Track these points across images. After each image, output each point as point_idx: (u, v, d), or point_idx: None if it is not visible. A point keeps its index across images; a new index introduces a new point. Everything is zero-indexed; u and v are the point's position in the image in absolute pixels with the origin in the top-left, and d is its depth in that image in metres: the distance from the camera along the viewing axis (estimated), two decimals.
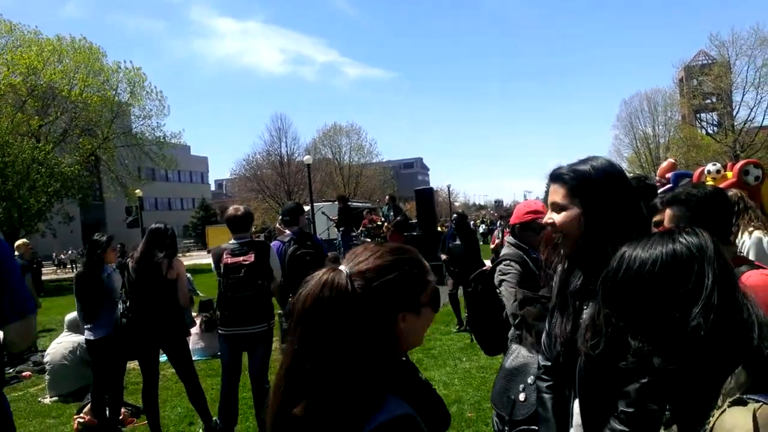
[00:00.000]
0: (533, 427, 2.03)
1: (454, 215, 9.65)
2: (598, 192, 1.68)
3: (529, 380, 2.12)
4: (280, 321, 7.95)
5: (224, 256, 4.77)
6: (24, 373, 8.06)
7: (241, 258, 4.72)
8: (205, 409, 5.02)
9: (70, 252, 18.56)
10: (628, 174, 1.88)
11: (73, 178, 26.35)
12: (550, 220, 1.77)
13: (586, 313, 1.64)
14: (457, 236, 8.68)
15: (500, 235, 9.87)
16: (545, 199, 2.20)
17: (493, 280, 3.25)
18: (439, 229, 16.79)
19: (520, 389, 2.14)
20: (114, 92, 29.82)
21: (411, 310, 1.19)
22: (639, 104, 50.85)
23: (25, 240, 10.95)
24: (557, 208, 1.75)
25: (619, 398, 1.51)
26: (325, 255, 5.55)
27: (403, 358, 1.29)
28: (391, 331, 1.16)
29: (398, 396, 1.14)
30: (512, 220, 3.53)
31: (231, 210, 4.97)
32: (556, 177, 1.78)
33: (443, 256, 9.01)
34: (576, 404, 1.70)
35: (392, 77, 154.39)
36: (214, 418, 4.99)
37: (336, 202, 17.09)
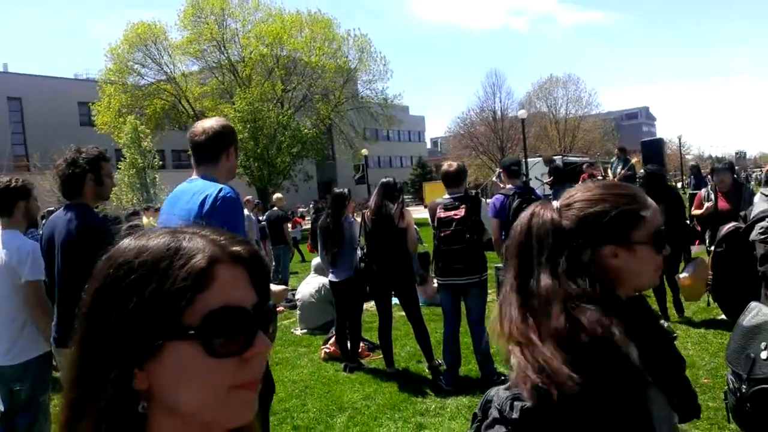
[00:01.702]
0: None
1: (641, 171, 7.74)
2: None
3: None
4: (497, 274, 8.13)
5: (438, 210, 5.05)
6: (278, 308, 9.50)
7: (452, 212, 4.96)
8: (429, 350, 5.42)
9: (311, 205, 21.14)
10: None
11: (312, 140, 28.81)
12: None
13: None
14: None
15: (710, 197, 6.93)
16: None
17: (745, 239, 3.00)
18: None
19: (762, 347, 2.05)
20: (346, 56, 31.80)
21: (621, 244, 1.15)
22: None
23: (279, 195, 12.85)
24: None
25: None
26: None
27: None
28: (600, 264, 1.14)
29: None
30: None
31: (445, 166, 5.22)
32: None
33: None
34: None
35: (612, 21, 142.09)
36: (436, 359, 5.40)
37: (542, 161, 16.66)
